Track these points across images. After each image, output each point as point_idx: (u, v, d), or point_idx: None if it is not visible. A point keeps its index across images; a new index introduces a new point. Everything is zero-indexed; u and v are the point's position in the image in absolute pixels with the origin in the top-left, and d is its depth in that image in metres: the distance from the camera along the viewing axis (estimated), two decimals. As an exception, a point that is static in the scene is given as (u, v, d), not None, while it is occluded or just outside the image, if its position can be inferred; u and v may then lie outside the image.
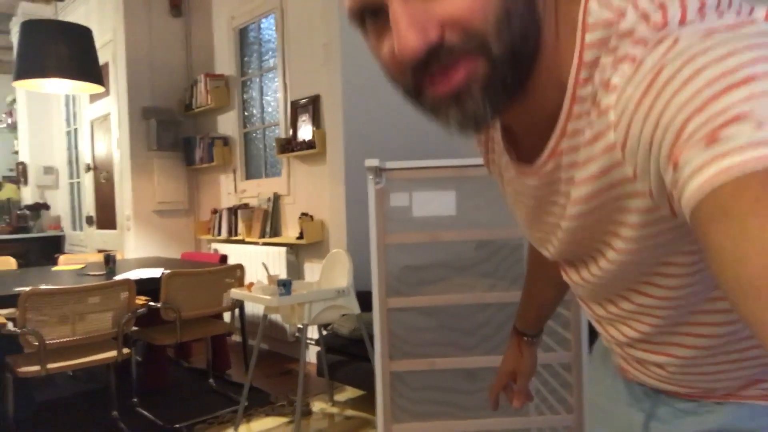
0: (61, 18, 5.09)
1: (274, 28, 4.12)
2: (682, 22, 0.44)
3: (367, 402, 3.08)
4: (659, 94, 0.41)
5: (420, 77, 0.49)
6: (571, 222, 0.55)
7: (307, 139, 3.68)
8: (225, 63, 4.57)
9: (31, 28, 3.00)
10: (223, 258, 3.91)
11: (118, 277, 2.98)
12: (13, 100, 6.99)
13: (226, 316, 3.74)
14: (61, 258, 4.30)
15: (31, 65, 2.93)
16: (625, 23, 0.46)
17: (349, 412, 3.08)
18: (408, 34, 0.45)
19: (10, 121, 7.21)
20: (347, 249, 3.15)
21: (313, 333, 3.65)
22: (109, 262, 3.39)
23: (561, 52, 0.50)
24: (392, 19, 0.46)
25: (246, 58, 4.51)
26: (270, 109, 4.30)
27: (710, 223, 0.35)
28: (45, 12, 5.51)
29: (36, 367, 2.45)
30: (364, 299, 2.46)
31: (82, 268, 3.66)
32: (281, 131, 4.03)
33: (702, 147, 0.36)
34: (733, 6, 0.44)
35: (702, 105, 0.37)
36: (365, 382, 2.81)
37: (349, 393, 3.30)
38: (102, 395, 2.95)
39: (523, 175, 0.59)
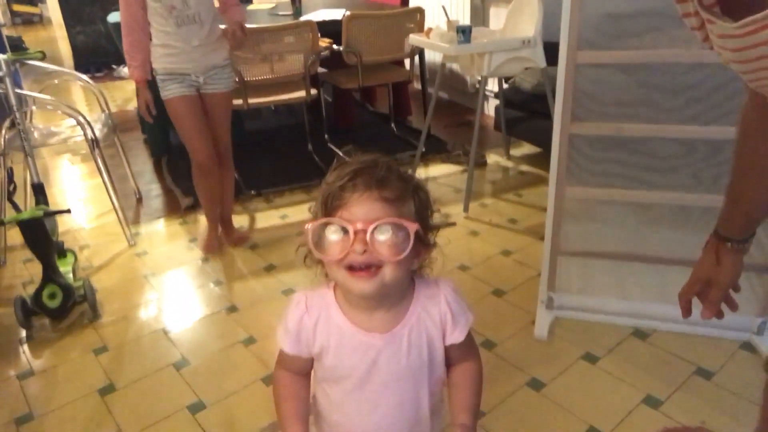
0: None
1: None
2: None
3: (543, 160, 3.01)
4: None
5: None
6: None
7: None
8: None
9: None
10: (405, 0, 3.71)
11: (302, 18, 3.02)
12: None
13: (408, 64, 3.71)
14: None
15: None
16: None
17: (524, 168, 3.06)
18: None
19: None
20: (539, -9, 2.75)
21: (493, 85, 3.51)
22: (296, 2, 3.42)
23: None
24: None
25: None
26: None
27: None
28: None
29: (239, 101, 2.73)
30: (553, 52, 2.20)
31: (273, 8, 3.76)
32: None
33: None
34: None
35: None
36: (543, 139, 2.71)
37: (525, 149, 3.24)
38: (300, 130, 3.27)
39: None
